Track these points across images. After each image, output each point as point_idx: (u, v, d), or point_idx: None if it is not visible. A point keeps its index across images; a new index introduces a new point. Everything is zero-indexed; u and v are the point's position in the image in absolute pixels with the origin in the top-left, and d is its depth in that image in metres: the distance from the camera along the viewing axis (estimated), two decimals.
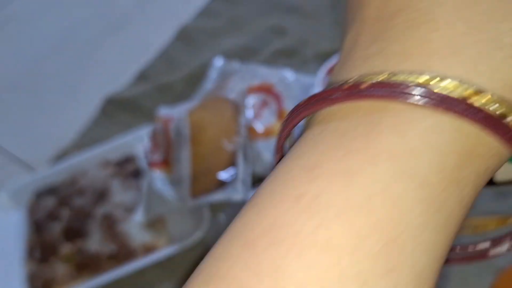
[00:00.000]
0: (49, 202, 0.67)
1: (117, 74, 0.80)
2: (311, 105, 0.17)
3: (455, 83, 0.15)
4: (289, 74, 0.67)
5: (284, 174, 0.16)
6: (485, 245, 0.22)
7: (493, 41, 0.15)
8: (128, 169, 0.67)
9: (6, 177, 0.71)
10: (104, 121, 0.75)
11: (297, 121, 0.17)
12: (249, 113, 0.63)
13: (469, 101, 0.15)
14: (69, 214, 0.66)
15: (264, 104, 0.65)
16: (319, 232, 0.15)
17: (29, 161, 0.75)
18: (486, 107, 0.15)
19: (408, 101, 0.15)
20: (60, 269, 0.63)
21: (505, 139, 0.15)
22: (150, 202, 0.63)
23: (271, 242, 0.15)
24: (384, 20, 0.17)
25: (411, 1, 0.16)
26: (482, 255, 0.22)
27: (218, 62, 0.72)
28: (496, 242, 0.22)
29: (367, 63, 0.16)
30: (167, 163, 0.64)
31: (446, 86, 0.15)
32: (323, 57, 0.66)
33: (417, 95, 0.15)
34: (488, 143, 0.15)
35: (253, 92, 0.65)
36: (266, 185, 0.17)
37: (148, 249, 0.62)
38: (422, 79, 0.15)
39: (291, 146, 0.18)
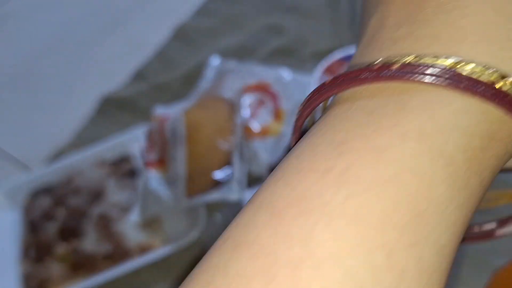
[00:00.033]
0: (45, 202, 0.67)
1: (113, 73, 0.79)
2: (337, 85, 0.17)
3: (481, 67, 0.15)
4: (285, 73, 0.67)
5: (311, 149, 0.17)
6: (491, 225, 0.23)
7: None
8: (123, 169, 0.67)
9: (1, 176, 0.71)
10: (100, 121, 0.75)
11: (320, 100, 0.18)
12: (246, 112, 0.63)
13: (497, 85, 0.15)
14: (65, 214, 0.66)
15: (260, 103, 0.65)
16: (348, 203, 0.15)
17: (25, 160, 0.75)
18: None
19: (437, 83, 0.15)
20: (55, 269, 0.63)
21: None
22: (146, 202, 0.63)
23: (300, 212, 0.15)
24: (414, 3, 0.17)
25: None
26: (489, 234, 0.23)
27: (215, 61, 0.72)
28: (503, 222, 0.22)
29: (396, 45, 0.17)
30: (163, 162, 0.63)
31: (473, 69, 0.15)
32: (321, 56, 0.66)
33: (445, 78, 0.15)
34: (509, 128, 0.16)
35: (249, 91, 0.65)
36: (291, 160, 0.17)
37: (144, 249, 0.61)
38: (449, 62, 0.16)
39: (311, 126, 0.18)
